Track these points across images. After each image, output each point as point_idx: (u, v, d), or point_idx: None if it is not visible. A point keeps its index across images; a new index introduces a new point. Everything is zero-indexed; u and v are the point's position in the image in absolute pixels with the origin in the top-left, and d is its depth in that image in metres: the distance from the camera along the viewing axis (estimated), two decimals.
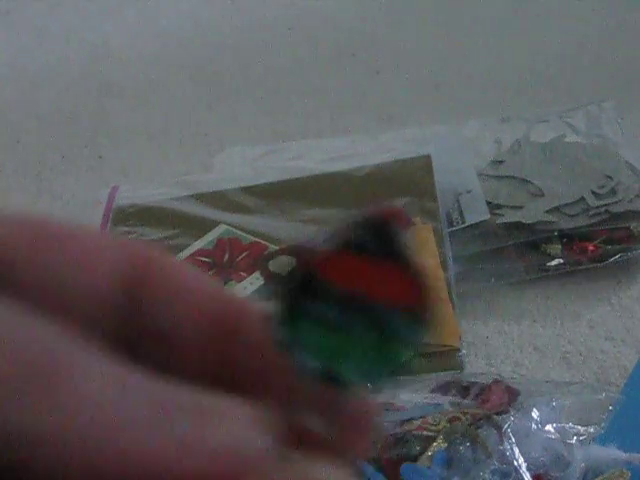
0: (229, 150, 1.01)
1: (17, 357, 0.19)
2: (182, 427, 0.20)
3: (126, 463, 0.20)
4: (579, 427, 0.65)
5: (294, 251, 0.24)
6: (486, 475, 0.60)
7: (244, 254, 0.86)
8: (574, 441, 0.63)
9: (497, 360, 0.77)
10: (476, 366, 0.76)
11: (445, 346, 0.76)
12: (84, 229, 0.24)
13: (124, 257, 0.24)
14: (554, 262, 0.83)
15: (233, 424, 0.21)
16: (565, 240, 0.83)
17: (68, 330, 0.20)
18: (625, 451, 0.64)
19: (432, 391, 0.68)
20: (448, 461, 0.61)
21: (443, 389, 0.68)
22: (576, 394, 0.68)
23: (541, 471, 0.61)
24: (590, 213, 0.84)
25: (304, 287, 0.24)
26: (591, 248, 0.83)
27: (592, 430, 0.65)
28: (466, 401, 0.66)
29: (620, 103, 0.99)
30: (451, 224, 0.86)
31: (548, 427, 0.64)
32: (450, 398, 0.66)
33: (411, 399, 0.65)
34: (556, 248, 0.83)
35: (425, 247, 0.83)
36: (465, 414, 0.63)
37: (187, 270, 0.25)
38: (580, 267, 0.82)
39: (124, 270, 0.24)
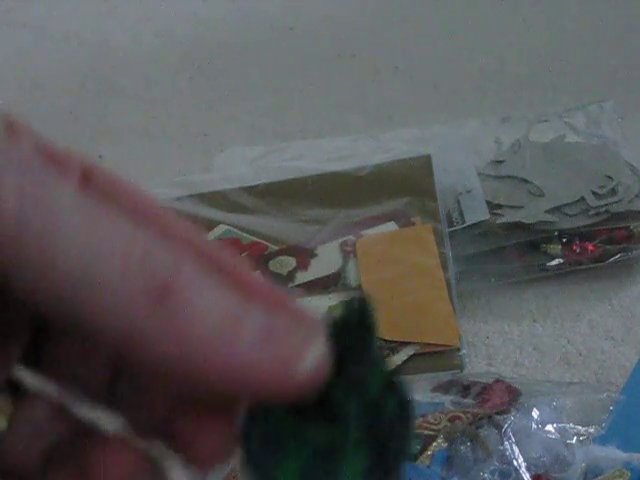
0: (229, 150, 1.01)
1: (152, 273, 0.23)
2: (288, 347, 0.24)
3: (223, 372, 0.23)
4: (579, 427, 0.65)
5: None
6: (486, 475, 0.60)
7: (244, 254, 0.86)
8: (574, 441, 0.63)
9: (497, 360, 0.77)
10: (476, 366, 0.76)
11: (445, 346, 0.76)
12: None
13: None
14: (554, 262, 0.83)
15: (320, 351, 0.24)
16: (565, 240, 0.83)
17: (189, 255, 0.24)
18: (625, 451, 0.64)
19: (433, 390, 0.68)
20: (448, 460, 0.61)
21: (444, 388, 0.68)
22: (576, 394, 0.68)
23: (541, 471, 0.61)
24: (590, 213, 0.84)
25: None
26: (591, 248, 0.83)
27: (592, 430, 0.65)
28: (467, 400, 0.66)
29: (620, 103, 0.99)
30: (451, 224, 0.86)
31: (548, 427, 0.64)
32: (451, 397, 0.66)
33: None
34: (556, 248, 0.83)
35: (425, 247, 0.83)
36: (466, 413, 0.63)
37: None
38: (580, 267, 0.82)
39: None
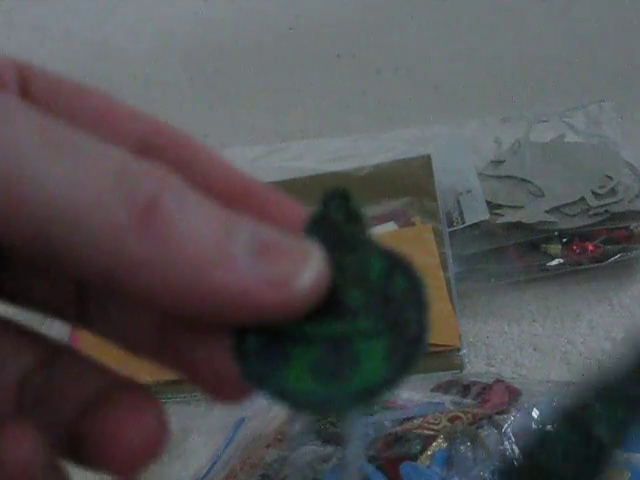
0: (229, 150, 1.01)
1: (135, 191, 0.21)
2: (285, 263, 0.22)
3: (219, 295, 0.22)
4: None
5: None
6: (486, 475, 0.60)
7: None
8: None
9: (497, 360, 0.77)
10: (476, 366, 0.76)
11: (445, 346, 0.76)
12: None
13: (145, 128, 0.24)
14: (554, 262, 0.83)
15: (318, 265, 0.23)
16: (565, 240, 0.83)
17: (173, 172, 0.22)
18: (625, 451, 0.64)
19: (433, 390, 0.68)
20: (448, 460, 0.61)
21: (444, 388, 0.68)
22: None
23: None
24: (590, 213, 0.84)
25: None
26: (591, 248, 0.83)
27: None
28: (467, 400, 0.66)
29: (620, 103, 0.99)
30: (451, 224, 0.86)
31: (548, 427, 0.63)
32: (451, 397, 0.66)
33: (412, 398, 0.65)
34: (556, 248, 0.83)
35: (425, 247, 0.83)
36: (466, 413, 0.63)
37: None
38: (580, 267, 0.82)
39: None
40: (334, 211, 0.25)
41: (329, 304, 0.24)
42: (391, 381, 0.24)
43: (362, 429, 0.25)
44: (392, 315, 0.24)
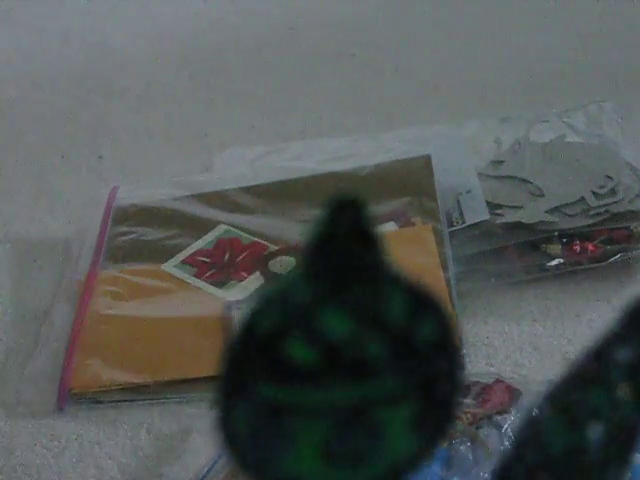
0: (229, 150, 1.01)
1: None
2: None
3: None
4: None
5: None
6: (486, 475, 0.60)
7: (244, 254, 0.86)
8: None
9: (497, 360, 0.77)
10: (476, 366, 0.75)
11: None
12: None
13: None
14: (554, 262, 0.83)
15: None
16: (565, 240, 0.83)
17: None
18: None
19: None
20: (448, 460, 0.61)
21: None
22: None
23: None
24: (590, 213, 0.84)
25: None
26: (591, 248, 0.83)
27: None
28: (467, 400, 0.66)
29: (620, 103, 0.99)
30: (451, 224, 0.86)
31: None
32: None
33: None
34: (556, 248, 0.83)
35: (425, 247, 0.83)
36: (466, 413, 0.63)
37: None
38: (580, 267, 0.82)
39: None
40: (342, 227, 0.19)
41: (339, 359, 0.18)
42: (422, 455, 0.18)
43: None
44: (420, 370, 0.19)
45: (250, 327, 0.19)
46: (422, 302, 0.18)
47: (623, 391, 0.22)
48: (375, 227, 0.19)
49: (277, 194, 0.92)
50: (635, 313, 0.22)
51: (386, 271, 0.19)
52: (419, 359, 0.18)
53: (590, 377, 0.22)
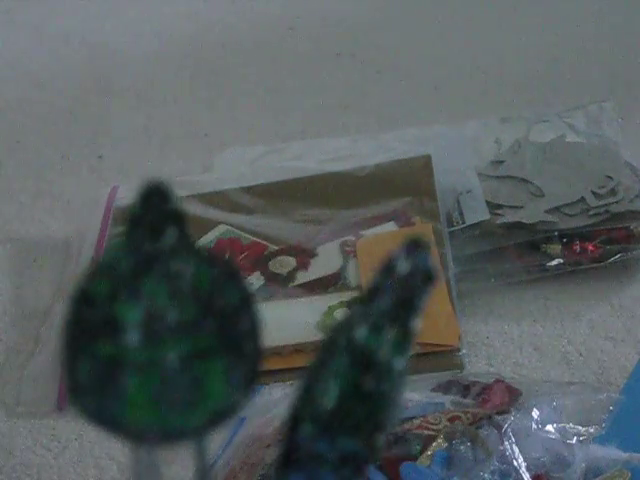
0: (229, 150, 1.01)
1: None
2: None
3: None
4: (579, 427, 0.65)
5: None
6: (486, 475, 0.60)
7: (244, 254, 0.86)
8: (574, 441, 0.63)
9: (497, 360, 0.77)
10: (476, 366, 0.76)
11: (445, 346, 0.76)
12: None
13: None
14: (554, 262, 0.83)
15: None
16: (565, 240, 0.83)
17: None
18: (625, 451, 0.64)
19: (433, 390, 0.68)
20: (448, 460, 0.61)
21: (444, 388, 0.68)
22: (576, 394, 0.68)
23: (541, 471, 0.61)
24: (590, 213, 0.84)
25: None
26: (591, 248, 0.83)
27: (592, 430, 0.65)
28: (467, 401, 0.66)
29: (620, 103, 0.99)
30: (451, 224, 0.86)
31: (548, 427, 0.64)
32: (451, 397, 0.66)
33: (412, 398, 0.65)
34: (556, 248, 0.83)
35: None
36: (466, 413, 0.63)
37: None
38: (580, 267, 0.82)
39: None
40: (152, 212, 0.23)
41: (162, 320, 0.22)
42: (237, 404, 0.22)
43: (208, 454, 0.23)
44: (227, 330, 0.22)
45: (85, 291, 0.23)
46: (225, 272, 0.23)
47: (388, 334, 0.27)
48: (181, 208, 0.23)
49: (277, 194, 0.92)
50: (386, 268, 0.27)
51: (192, 245, 0.23)
52: (226, 320, 0.22)
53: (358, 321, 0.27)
